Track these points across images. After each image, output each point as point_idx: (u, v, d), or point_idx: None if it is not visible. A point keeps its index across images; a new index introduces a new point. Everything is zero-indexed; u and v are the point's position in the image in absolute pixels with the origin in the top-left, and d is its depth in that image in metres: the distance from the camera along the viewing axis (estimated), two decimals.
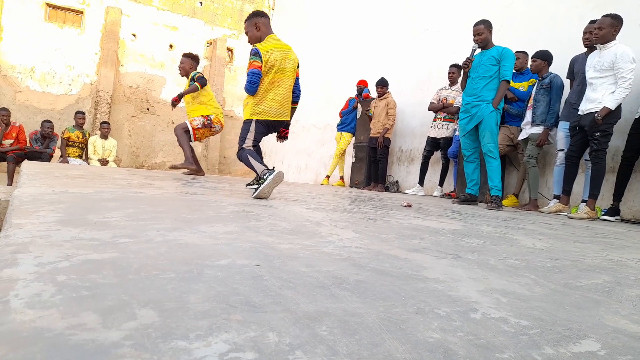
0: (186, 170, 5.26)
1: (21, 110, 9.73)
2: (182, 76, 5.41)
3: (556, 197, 4.61)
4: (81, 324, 0.61)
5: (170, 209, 1.95)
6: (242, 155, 3.31)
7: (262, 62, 3.33)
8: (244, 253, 1.17)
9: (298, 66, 3.53)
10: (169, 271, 0.92)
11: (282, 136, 3.84)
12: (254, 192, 2.88)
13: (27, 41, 9.80)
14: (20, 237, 1.09)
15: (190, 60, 5.37)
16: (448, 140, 6.24)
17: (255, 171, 3.18)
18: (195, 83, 5.13)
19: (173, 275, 0.89)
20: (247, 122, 3.39)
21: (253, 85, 3.31)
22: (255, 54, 3.34)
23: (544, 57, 4.84)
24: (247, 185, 3.83)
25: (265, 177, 2.88)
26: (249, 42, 3.59)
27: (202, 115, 5.24)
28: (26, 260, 0.90)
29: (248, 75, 3.34)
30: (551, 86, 4.68)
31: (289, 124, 3.69)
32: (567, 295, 1.07)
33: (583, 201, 4.32)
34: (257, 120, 3.36)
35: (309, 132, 10.12)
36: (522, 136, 5.00)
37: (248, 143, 3.34)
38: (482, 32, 4.33)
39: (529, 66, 5.17)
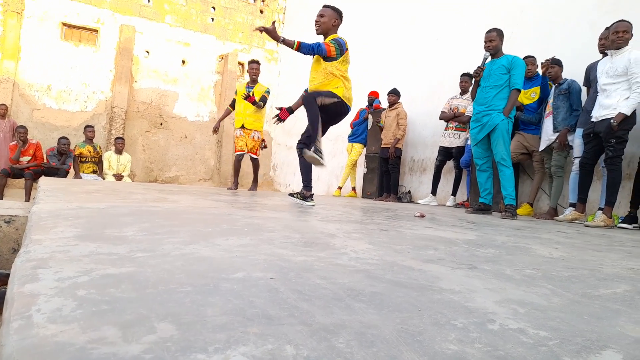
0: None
1: (38, 127, 9.92)
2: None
3: (572, 205, 4.54)
4: (102, 338, 0.62)
5: (185, 222, 1.97)
6: (311, 129, 3.73)
7: (340, 54, 3.65)
8: (259, 266, 1.17)
9: None
10: (185, 285, 0.93)
11: (283, 118, 4.28)
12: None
13: (44, 60, 10.02)
14: (40, 252, 1.11)
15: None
16: (460, 150, 6.20)
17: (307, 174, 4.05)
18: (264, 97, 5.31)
19: (190, 289, 0.90)
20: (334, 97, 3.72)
21: (315, 49, 3.60)
22: (340, 45, 3.64)
23: (559, 63, 4.87)
24: (290, 194, 4.28)
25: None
26: (317, 28, 3.79)
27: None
28: (46, 275, 0.91)
29: (319, 44, 3.60)
30: (570, 91, 4.68)
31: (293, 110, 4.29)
32: (585, 305, 1.06)
33: (600, 209, 4.25)
34: (342, 101, 3.69)
35: (321, 143, 10.13)
36: (543, 146, 4.92)
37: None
38: (494, 39, 4.33)
39: (538, 71, 5.14)
